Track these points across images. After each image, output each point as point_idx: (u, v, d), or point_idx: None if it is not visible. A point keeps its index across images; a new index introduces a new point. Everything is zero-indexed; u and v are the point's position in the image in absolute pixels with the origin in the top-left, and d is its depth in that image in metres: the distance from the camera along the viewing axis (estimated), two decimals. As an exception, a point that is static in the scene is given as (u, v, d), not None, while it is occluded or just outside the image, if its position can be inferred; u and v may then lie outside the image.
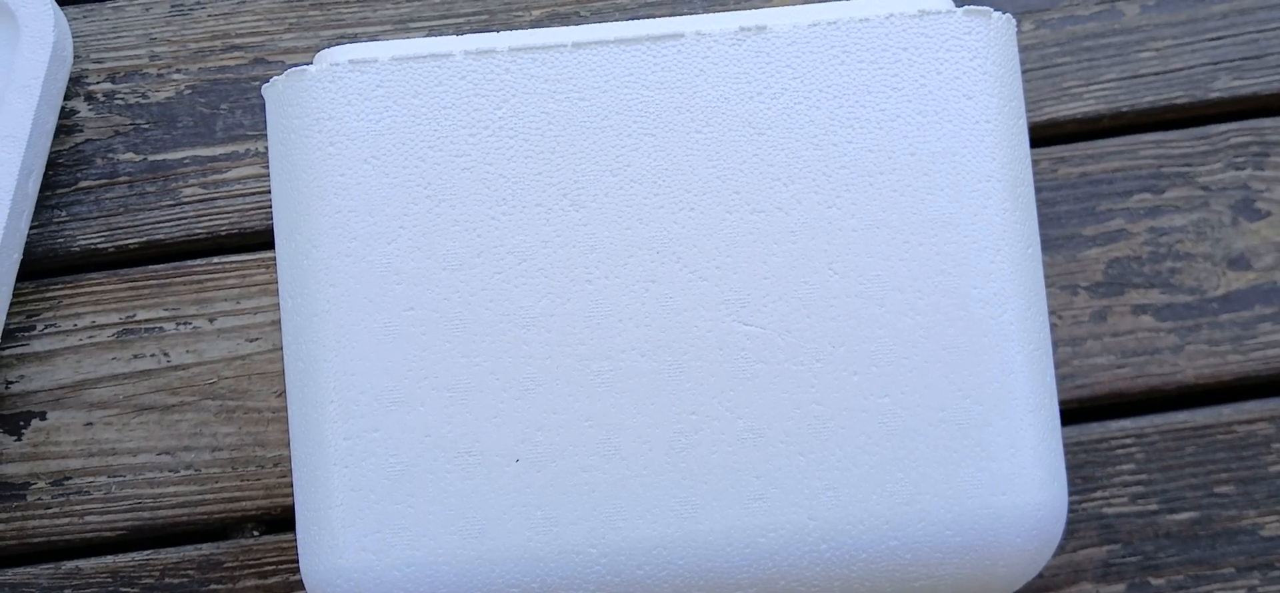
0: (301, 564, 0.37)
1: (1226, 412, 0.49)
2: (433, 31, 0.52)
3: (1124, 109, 0.51)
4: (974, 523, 0.36)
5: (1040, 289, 0.37)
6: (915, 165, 0.36)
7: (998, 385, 0.36)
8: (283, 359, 0.47)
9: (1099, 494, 0.49)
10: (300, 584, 0.48)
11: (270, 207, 0.50)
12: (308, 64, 0.37)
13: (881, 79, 0.37)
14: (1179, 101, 0.51)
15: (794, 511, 0.36)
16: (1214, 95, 0.51)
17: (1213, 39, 0.52)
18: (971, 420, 0.36)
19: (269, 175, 0.50)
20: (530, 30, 0.39)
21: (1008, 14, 0.38)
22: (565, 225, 0.36)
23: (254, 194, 0.51)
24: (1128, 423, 0.49)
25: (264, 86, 0.38)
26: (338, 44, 0.46)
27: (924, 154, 0.36)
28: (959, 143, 0.36)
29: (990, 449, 0.36)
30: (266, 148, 0.51)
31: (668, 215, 0.36)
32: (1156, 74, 0.51)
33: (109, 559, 0.48)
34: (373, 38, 0.52)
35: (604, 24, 0.38)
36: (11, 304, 0.50)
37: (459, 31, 0.52)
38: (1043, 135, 0.51)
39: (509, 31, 0.38)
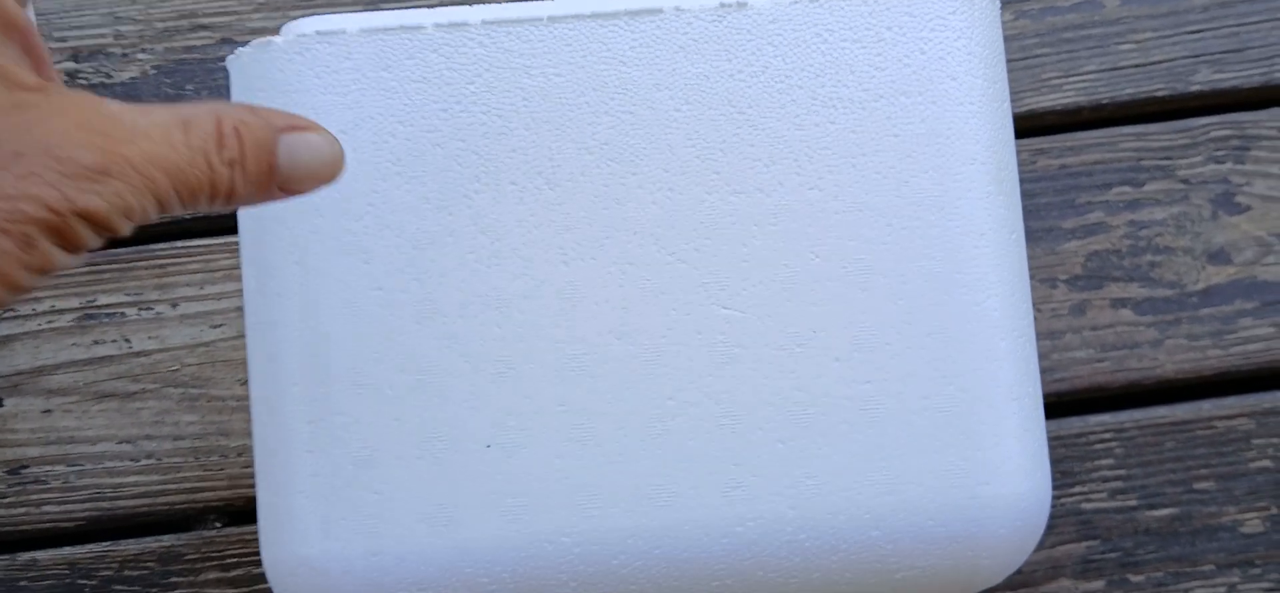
0: (263, 554, 0.37)
1: (1206, 407, 0.49)
2: (404, 4, 0.51)
3: (1104, 101, 0.51)
4: (957, 513, 0.35)
5: (1024, 274, 0.37)
6: (899, 147, 0.36)
7: (981, 372, 0.36)
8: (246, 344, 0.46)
9: (1078, 489, 0.48)
10: (264, 577, 0.47)
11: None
12: (274, 36, 0.36)
13: (865, 58, 0.36)
14: (1159, 94, 0.51)
15: (773, 500, 0.35)
16: (1194, 88, 0.51)
17: (1193, 32, 0.51)
18: (955, 407, 0.35)
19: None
20: (504, 3, 0.39)
21: (992, -5, 0.37)
22: (540, 205, 0.36)
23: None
24: (1107, 418, 0.49)
25: (228, 58, 0.37)
26: (307, 22, 0.45)
27: (907, 135, 0.36)
28: (943, 124, 0.36)
29: (973, 437, 0.35)
30: (233, 130, 0.50)
31: (646, 196, 0.36)
32: (1137, 66, 0.51)
33: (67, 551, 0.47)
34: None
35: (581, -1, 0.37)
36: (-33, 288, 0.49)
37: (431, 4, 0.51)
38: (1022, 127, 0.51)
39: (482, 4, 0.37)
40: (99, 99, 0.26)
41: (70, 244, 0.26)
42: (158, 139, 0.26)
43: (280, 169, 0.28)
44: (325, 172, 0.29)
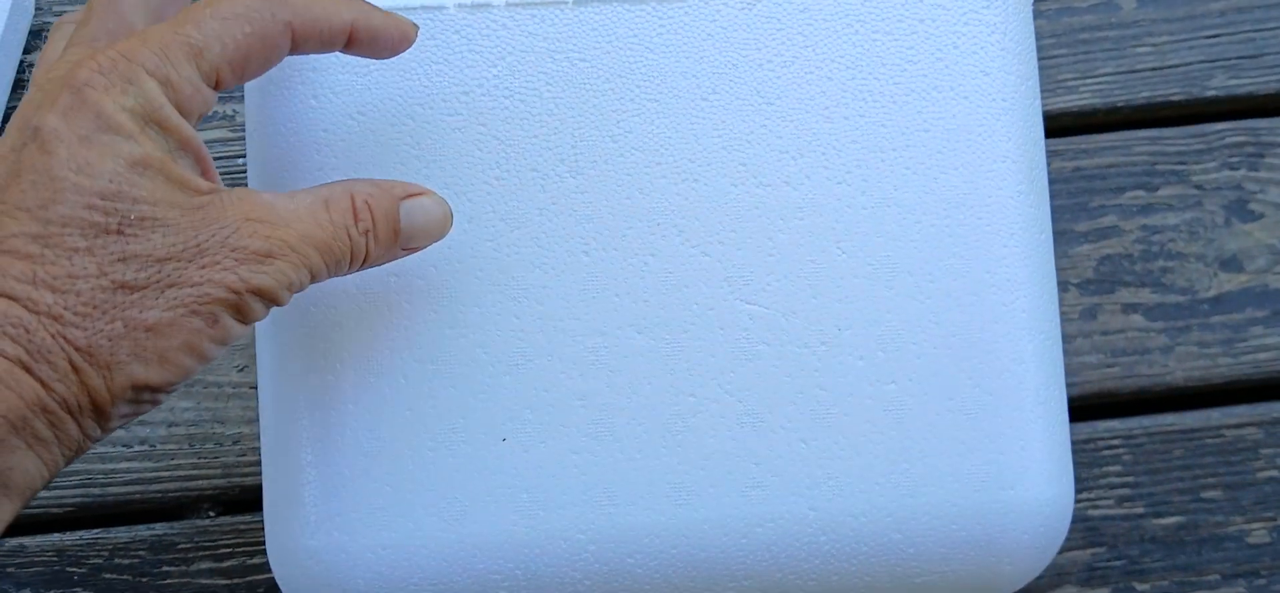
0: (268, 544, 0.36)
1: (1215, 415, 0.48)
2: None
3: (1119, 104, 0.51)
4: (980, 518, 0.35)
5: (1052, 276, 0.36)
6: (929, 142, 0.35)
7: (1008, 374, 0.35)
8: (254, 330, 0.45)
9: (1085, 496, 0.48)
10: (258, 568, 0.46)
11: (239, 173, 0.48)
12: (289, 14, 0.35)
13: (896, 52, 0.35)
14: (1175, 98, 0.51)
15: (794, 500, 0.35)
16: (1210, 93, 0.51)
17: (1210, 36, 0.51)
18: (980, 410, 0.35)
19: (241, 137, 0.48)
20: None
21: (1024, -10, 0.37)
22: (562, 193, 0.35)
23: (221, 159, 0.49)
24: (1116, 424, 0.48)
25: (243, 35, 0.36)
26: None
27: (938, 131, 0.35)
28: (974, 121, 0.35)
29: (998, 441, 0.35)
30: (236, 112, 0.49)
31: (670, 186, 0.35)
32: (1153, 70, 0.51)
33: (55, 537, 0.46)
34: None
35: (606, -17, 0.36)
36: (-43, 265, 0.48)
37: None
38: (1037, 128, 0.50)
39: (506, -15, 0.36)
40: (254, 193, 0.31)
41: (245, 317, 0.30)
42: (307, 221, 0.31)
43: (403, 232, 0.33)
44: (438, 230, 0.34)
